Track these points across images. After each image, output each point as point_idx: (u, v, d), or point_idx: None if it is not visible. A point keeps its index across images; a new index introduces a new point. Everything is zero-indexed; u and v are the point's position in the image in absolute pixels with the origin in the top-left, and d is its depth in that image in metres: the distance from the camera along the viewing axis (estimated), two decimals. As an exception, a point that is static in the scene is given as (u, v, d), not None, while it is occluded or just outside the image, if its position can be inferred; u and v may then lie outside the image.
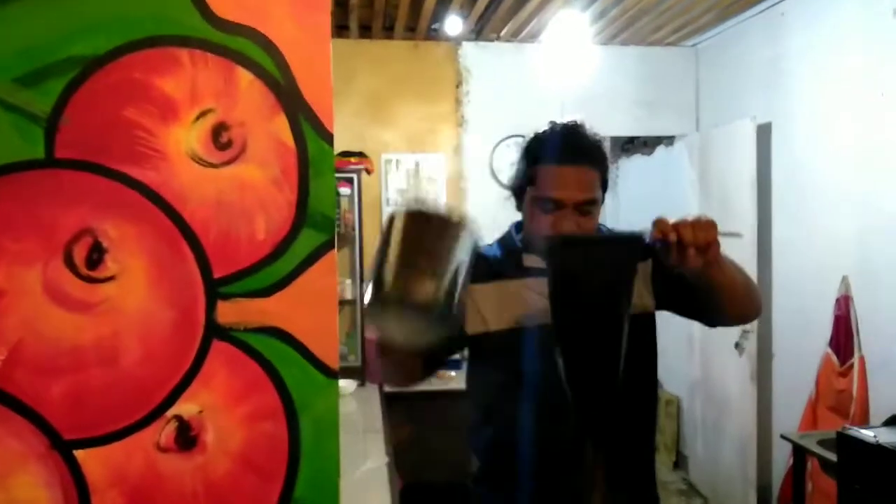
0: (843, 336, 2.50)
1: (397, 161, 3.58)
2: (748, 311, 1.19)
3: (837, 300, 2.53)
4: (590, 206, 1.15)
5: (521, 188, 1.20)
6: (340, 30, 3.39)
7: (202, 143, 0.69)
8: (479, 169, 3.59)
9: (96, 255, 0.68)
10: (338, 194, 3.21)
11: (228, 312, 0.69)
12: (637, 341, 1.20)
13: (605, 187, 1.18)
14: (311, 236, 0.70)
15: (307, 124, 0.70)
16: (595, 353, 0.90)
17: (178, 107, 0.69)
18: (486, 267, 1.20)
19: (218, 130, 0.70)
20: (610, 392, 0.90)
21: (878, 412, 2.32)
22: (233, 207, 0.69)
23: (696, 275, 0.99)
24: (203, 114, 0.69)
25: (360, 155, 3.35)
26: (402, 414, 3.22)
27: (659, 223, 0.92)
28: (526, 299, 1.16)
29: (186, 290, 0.68)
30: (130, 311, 0.68)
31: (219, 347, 0.69)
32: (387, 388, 3.12)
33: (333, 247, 0.70)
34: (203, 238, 0.69)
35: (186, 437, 0.68)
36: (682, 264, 0.93)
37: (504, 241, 1.29)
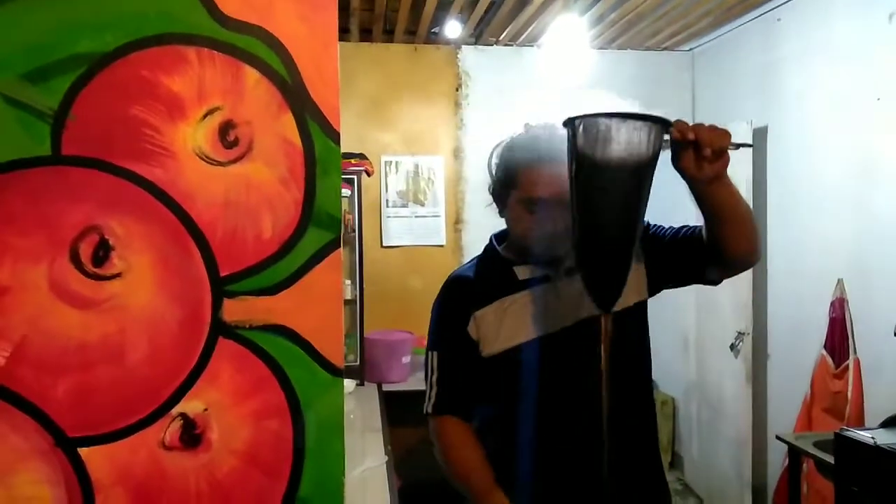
0: (838, 338, 2.52)
1: (397, 163, 3.59)
2: (750, 247, 1.14)
3: (832, 303, 2.54)
4: None
5: (505, 192, 1.20)
6: (342, 33, 3.39)
7: (209, 141, 0.69)
8: (478, 171, 3.59)
9: (102, 252, 0.68)
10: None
11: (235, 310, 0.69)
12: (633, 331, 1.22)
13: None
14: (317, 235, 0.70)
15: (314, 123, 0.70)
16: (615, 224, 0.92)
17: (186, 105, 0.69)
18: (481, 290, 1.21)
19: (225, 129, 0.70)
20: (626, 262, 0.92)
21: (872, 414, 2.33)
22: (240, 206, 0.70)
23: (705, 187, 1.00)
24: (210, 112, 0.70)
25: (361, 157, 3.35)
26: (401, 414, 3.22)
27: (678, 122, 0.93)
28: (533, 312, 1.17)
29: (193, 287, 0.68)
30: (136, 308, 0.68)
31: (225, 345, 0.69)
32: (385, 388, 3.12)
33: (339, 246, 0.70)
34: (210, 236, 0.69)
35: (191, 435, 0.68)
36: (694, 170, 0.96)
37: (488, 259, 1.28)
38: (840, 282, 2.53)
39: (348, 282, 3.23)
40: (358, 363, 3.14)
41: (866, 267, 2.43)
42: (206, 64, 0.69)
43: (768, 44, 3.01)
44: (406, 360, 3.20)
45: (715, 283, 1.22)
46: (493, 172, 1.24)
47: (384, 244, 3.58)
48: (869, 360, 2.39)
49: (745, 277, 3.03)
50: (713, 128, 0.94)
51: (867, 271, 2.42)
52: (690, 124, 0.95)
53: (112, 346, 0.68)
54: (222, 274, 0.69)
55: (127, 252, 0.68)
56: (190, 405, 0.68)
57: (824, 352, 2.57)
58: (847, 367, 2.46)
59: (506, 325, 1.17)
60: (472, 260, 1.32)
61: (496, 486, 1.14)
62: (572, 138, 0.91)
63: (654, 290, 1.24)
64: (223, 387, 0.69)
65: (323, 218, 0.70)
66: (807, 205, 2.74)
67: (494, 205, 1.26)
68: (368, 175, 3.35)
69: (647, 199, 0.93)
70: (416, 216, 3.60)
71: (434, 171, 3.60)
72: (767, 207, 3.00)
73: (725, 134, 0.95)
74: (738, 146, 0.96)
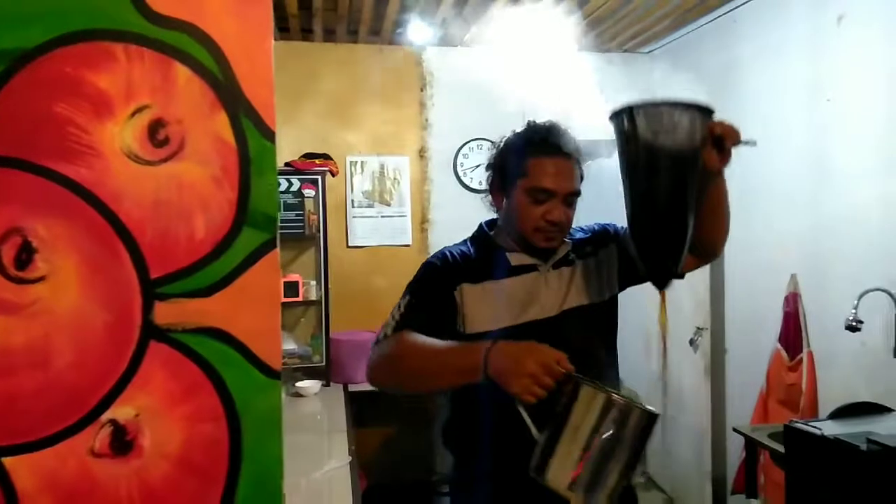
0: (793, 332, 2.59)
1: (362, 163, 3.57)
2: (725, 237, 1.30)
3: (786, 297, 2.61)
4: (574, 197, 1.22)
5: (510, 182, 1.22)
6: (305, 33, 3.36)
7: (138, 140, 0.68)
8: (444, 171, 3.61)
9: (25, 255, 0.65)
10: (302, 196, 3.19)
11: (166, 313, 0.67)
12: (612, 321, 1.29)
13: (581, 180, 1.25)
14: (252, 235, 0.69)
15: (248, 121, 0.69)
16: (673, 206, 0.99)
17: (113, 102, 0.67)
18: (471, 267, 1.22)
19: (155, 127, 0.68)
20: (683, 242, 1.01)
21: (826, 405, 2.40)
22: (171, 206, 0.68)
23: (712, 178, 1.11)
24: (139, 110, 0.68)
25: (325, 157, 3.32)
26: (367, 414, 3.21)
27: (726, 129, 1.04)
28: (522, 298, 1.19)
29: (122, 290, 0.67)
30: (62, 312, 0.66)
31: (156, 349, 0.67)
32: (351, 389, 3.10)
33: (275, 246, 0.69)
34: (139, 237, 0.67)
35: (122, 442, 0.67)
36: (714, 161, 1.05)
37: (480, 241, 1.30)
38: (794, 277, 2.60)
39: (313, 282, 3.21)
40: (324, 364, 3.12)
41: (819, 262, 2.50)
42: (134, 61, 0.67)
43: (725, 45, 3.07)
44: (372, 360, 3.18)
45: (680, 277, 1.27)
46: (496, 162, 1.28)
47: (350, 244, 3.56)
48: (822, 353, 2.46)
49: (703, 274, 3.10)
50: (732, 125, 1.05)
51: (820, 266, 2.49)
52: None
53: (37, 352, 0.65)
54: (153, 276, 0.67)
55: (52, 254, 0.66)
56: (120, 411, 0.67)
57: (779, 345, 2.64)
58: (801, 360, 2.54)
59: (491, 307, 1.19)
60: (463, 241, 1.34)
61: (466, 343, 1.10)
62: (630, 125, 0.97)
63: (625, 285, 1.32)
64: (155, 391, 0.67)
65: (258, 218, 0.69)
66: (762, 202, 2.80)
67: (489, 196, 1.30)
68: (333, 175, 3.32)
69: (696, 184, 1.01)
70: (382, 216, 3.60)
71: (400, 171, 3.60)
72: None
73: (739, 131, 1.06)
74: (745, 143, 1.06)
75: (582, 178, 1.25)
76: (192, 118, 0.69)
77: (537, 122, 1.28)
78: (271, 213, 0.69)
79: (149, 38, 0.68)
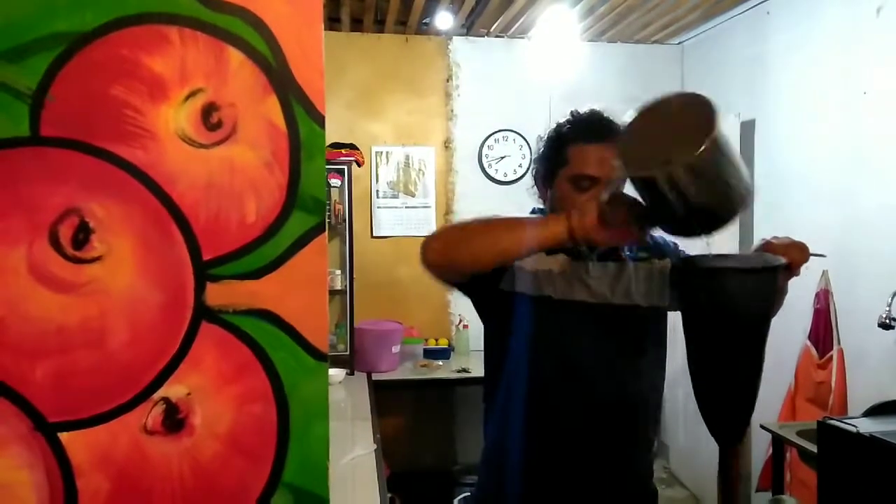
0: (823, 329, 2.54)
1: (387, 154, 3.57)
2: None
3: (817, 294, 2.56)
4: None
5: (552, 171, 1.20)
6: (332, 22, 3.36)
7: (192, 123, 0.68)
8: (469, 162, 3.60)
9: (82, 235, 0.67)
10: (328, 185, 3.20)
11: (218, 295, 0.68)
12: (659, 334, 1.25)
13: None
14: (301, 219, 0.70)
15: (299, 106, 0.70)
16: (734, 383, 0.91)
17: (168, 86, 0.68)
18: None
19: (208, 111, 0.69)
20: (748, 417, 0.93)
21: (855, 404, 2.36)
22: (223, 189, 0.69)
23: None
24: (193, 93, 0.69)
25: (351, 147, 3.33)
26: (390, 403, 3.23)
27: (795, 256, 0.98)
28: (587, 282, 1.16)
29: (175, 271, 0.68)
30: (117, 292, 0.67)
31: (208, 330, 0.68)
32: (375, 378, 3.12)
33: (324, 230, 0.70)
34: (192, 219, 0.68)
35: (174, 420, 0.68)
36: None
37: None
38: (825, 273, 2.55)
39: (338, 272, 3.22)
40: (348, 353, 3.14)
41: (851, 259, 2.45)
42: (188, 44, 0.68)
43: (757, 37, 3.01)
44: (395, 350, 3.20)
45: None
46: (540, 153, 1.25)
47: (374, 235, 3.56)
48: (852, 351, 2.41)
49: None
50: (803, 248, 1.00)
51: (852, 263, 2.44)
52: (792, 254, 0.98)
53: (92, 330, 0.67)
54: (205, 258, 0.68)
55: (107, 235, 0.67)
56: (173, 390, 0.68)
57: (808, 342, 2.60)
58: (831, 358, 2.49)
59: (553, 277, 1.15)
60: None
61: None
62: (691, 290, 0.88)
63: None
64: (206, 371, 0.68)
65: (308, 202, 0.70)
66: (793, 197, 2.75)
67: (535, 188, 1.27)
68: (359, 165, 3.33)
69: (765, 343, 0.91)
70: (407, 207, 3.59)
71: (425, 162, 3.59)
72: (754, 199, 3.02)
73: (807, 249, 1.02)
74: (815, 255, 0.99)
75: None
76: (244, 102, 0.69)
77: (579, 111, 1.24)
78: (320, 197, 0.70)
79: (203, 22, 0.68)
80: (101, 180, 0.67)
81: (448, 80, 3.62)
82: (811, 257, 0.98)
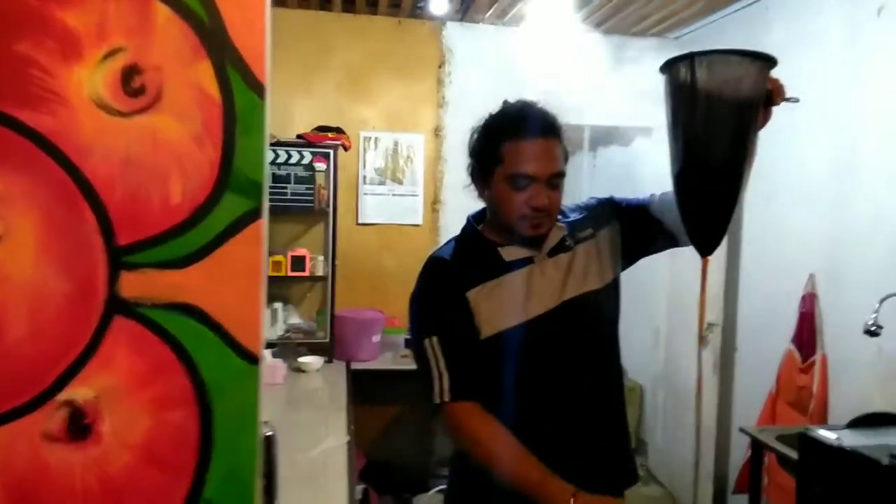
0: (807, 333, 2.50)
1: (376, 139, 3.48)
2: None
3: (803, 297, 2.52)
4: (559, 179, 1.14)
5: (488, 170, 1.14)
6: (323, 2, 3.25)
7: (110, 87, 0.60)
8: (459, 151, 3.51)
9: (-23, 211, 0.58)
10: (313, 169, 3.12)
11: (134, 285, 0.60)
12: (613, 307, 1.24)
13: (566, 160, 1.17)
14: (234, 202, 0.61)
15: (235, 73, 0.61)
16: (723, 169, 0.95)
17: (82, 43, 0.59)
18: (467, 272, 1.16)
19: (129, 74, 0.60)
20: (733, 202, 0.97)
21: (836, 410, 2.32)
22: (144, 164, 0.60)
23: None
24: (112, 53, 0.60)
25: (338, 130, 3.23)
26: (369, 393, 3.18)
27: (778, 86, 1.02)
28: (522, 293, 1.14)
29: (85, 257, 0.59)
30: (17, 278, 0.59)
31: (121, 324, 0.60)
32: (354, 366, 3.06)
33: (260, 216, 0.61)
34: (106, 198, 0.59)
35: (79, 426, 0.60)
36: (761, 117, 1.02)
37: (468, 241, 1.23)
38: (812, 277, 2.50)
39: (321, 258, 3.16)
40: (328, 340, 3.08)
41: (839, 263, 2.40)
42: (107, -4, 0.59)
43: (755, 33, 2.94)
44: (376, 339, 3.15)
45: (689, 243, 1.20)
46: (474, 150, 1.21)
47: (360, 221, 3.49)
48: (836, 357, 2.37)
49: (718, 269, 3.01)
50: (780, 81, 1.02)
51: (840, 267, 2.40)
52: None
53: (-12, 321, 0.58)
54: (121, 243, 0.60)
55: (7, 213, 0.58)
56: (78, 391, 0.59)
57: (792, 346, 2.56)
58: (814, 363, 2.45)
59: (494, 309, 1.14)
60: (448, 241, 1.27)
61: (549, 472, 1.06)
62: (689, 75, 0.93)
63: (631, 261, 1.26)
64: (118, 372, 0.60)
65: (242, 183, 0.61)
66: (784, 198, 2.70)
67: (473, 186, 1.22)
68: (346, 150, 3.24)
69: (755, 139, 0.98)
70: (394, 194, 3.52)
71: (414, 149, 3.51)
72: (744, 199, 2.97)
73: (784, 90, 1.03)
74: (788, 100, 1.02)
75: (566, 158, 1.17)
76: (171, 65, 0.60)
77: (511, 101, 1.21)
78: (257, 178, 0.61)
79: (125, -29, 0.59)
80: (2, 150, 0.58)
81: (440, 67, 3.52)
82: (788, 100, 1.02)
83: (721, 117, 0.93)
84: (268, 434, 1.67)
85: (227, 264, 0.61)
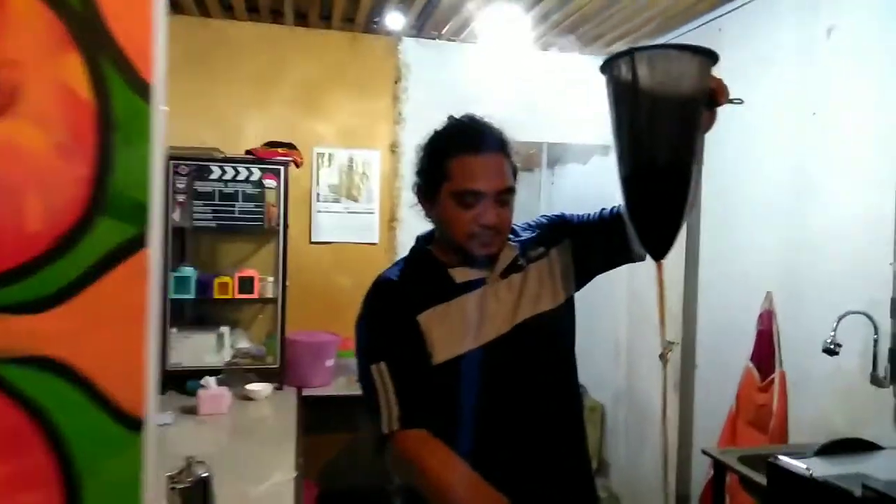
0: (765, 351, 2.49)
1: (330, 155, 3.39)
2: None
3: (760, 315, 2.51)
4: (509, 195, 1.11)
5: (434, 186, 1.10)
6: (275, 15, 3.14)
7: (-53, 85, 0.47)
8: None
9: None
10: (263, 186, 2.98)
11: (-23, 334, 0.47)
12: (568, 326, 1.20)
13: (515, 176, 1.13)
14: (111, 228, 0.49)
15: (113, 70, 0.49)
16: (670, 168, 0.91)
17: (-89, 30, 0.47)
18: (416, 295, 1.11)
19: (-27, 69, 0.48)
20: (684, 202, 0.92)
21: (796, 428, 2.31)
22: (-8, 182, 0.48)
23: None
24: (-50, 43, 0.47)
25: (289, 146, 3.12)
26: (322, 420, 3.03)
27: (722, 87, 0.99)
28: (475, 317, 1.10)
29: None
30: None
31: (-42, 386, 0.47)
32: (305, 393, 2.91)
33: (145, 245, 0.50)
34: (-60, 224, 0.47)
35: None
36: (705, 119, 0.99)
37: (418, 262, 1.18)
38: (769, 294, 2.50)
39: (270, 279, 3.02)
40: (278, 366, 2.94)
41: (796, 280, 2.40)
42: (-56, -29, 0.47)
43: (708, 52, 2.97)
44: (330, 363, 3.01)
45: (643, 258, 1.17)
46: (420, 167, 1.16)
47: (313, 240, 3.38)
48: (795, 375, 2.36)
49: (677, 287, 3.00)
50: (726, 87, 0.99)
51: (797, 285, 2.40)
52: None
53: None
54: (-42, 281, 0.47)
55: None
56: None
57: (751, 364, 2.54)
58: (773, 381, 2.44)
59: (446, 333, 1.09)
60: (397, 262, 1.21)
61: (506, 501, 0.98)
62: (630, 72, 0.90)
63: (585, 280, 1.23)
64: (-47, 447, 0.47)
65: (122, 205, 0.49)
66: (740, 216, 2.71)
67: (419, 205, 1.17)
68: (297, 166, 3.13)
69: (702, 137, 0.95)
70: (349, 212, 3.44)
71: (370, 165, 3.43)
72: (701, 217, 2.97)
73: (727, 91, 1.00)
74: (732, 101, 0.99)
75: (515, 174, 1.13)
76: (31, 60, 0.48)
77: (457, 116, 1.17)
78: (141, 198, 0.50)
79: (-32, -59, 0.47)
80: None
81: (397, 82, 3.46)
82: (731, 101, 1.00)
83: (665, 114, 0.91)
84: (203, 475, 1.50)
85: (102, 305, 0.49)
